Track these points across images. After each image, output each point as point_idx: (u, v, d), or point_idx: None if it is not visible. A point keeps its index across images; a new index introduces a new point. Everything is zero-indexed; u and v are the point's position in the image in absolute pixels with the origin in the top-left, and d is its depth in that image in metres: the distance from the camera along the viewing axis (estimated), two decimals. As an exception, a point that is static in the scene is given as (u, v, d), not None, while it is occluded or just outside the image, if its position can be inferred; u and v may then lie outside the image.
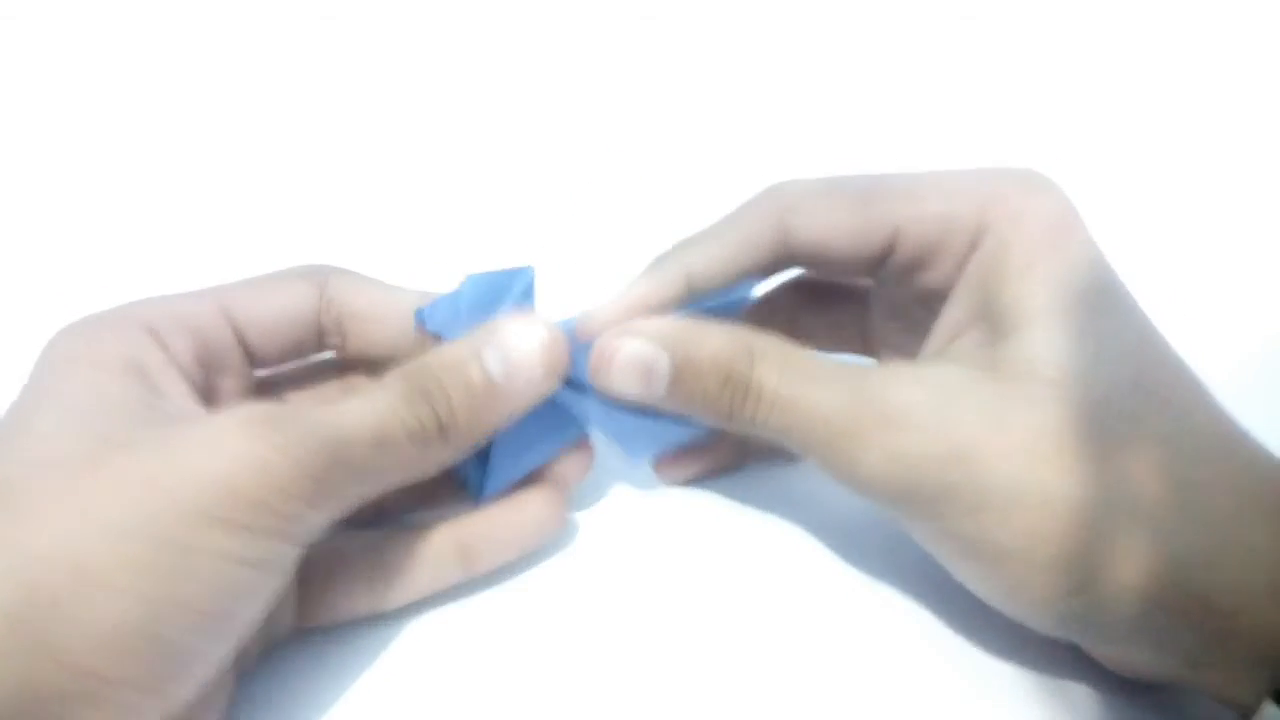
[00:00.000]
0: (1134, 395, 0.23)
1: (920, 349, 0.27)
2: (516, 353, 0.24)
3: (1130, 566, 0.21)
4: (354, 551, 0.26)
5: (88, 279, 0.39)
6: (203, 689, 0.21)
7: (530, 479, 0.27)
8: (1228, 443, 0.23)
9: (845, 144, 0.48)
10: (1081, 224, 0.25)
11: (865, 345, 0.30)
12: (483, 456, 0.27)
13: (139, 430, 0.21)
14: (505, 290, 0.27)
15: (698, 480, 0.31)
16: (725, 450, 0.30)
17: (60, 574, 0.18)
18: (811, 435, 0.24)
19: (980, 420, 0.22)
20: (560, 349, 0.25)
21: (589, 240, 0.42)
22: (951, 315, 0.26)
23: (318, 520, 0.22)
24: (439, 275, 0.28)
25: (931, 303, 0.26)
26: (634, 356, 0.25)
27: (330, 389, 0.28)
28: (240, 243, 0.42)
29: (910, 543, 0.25)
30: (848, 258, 0.26)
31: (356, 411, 0.22)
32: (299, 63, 0.53)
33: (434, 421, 0.23)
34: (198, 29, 0.54)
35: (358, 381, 0.28)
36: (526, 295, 0.27)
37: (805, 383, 0.24)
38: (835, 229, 0.25)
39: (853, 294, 0.30)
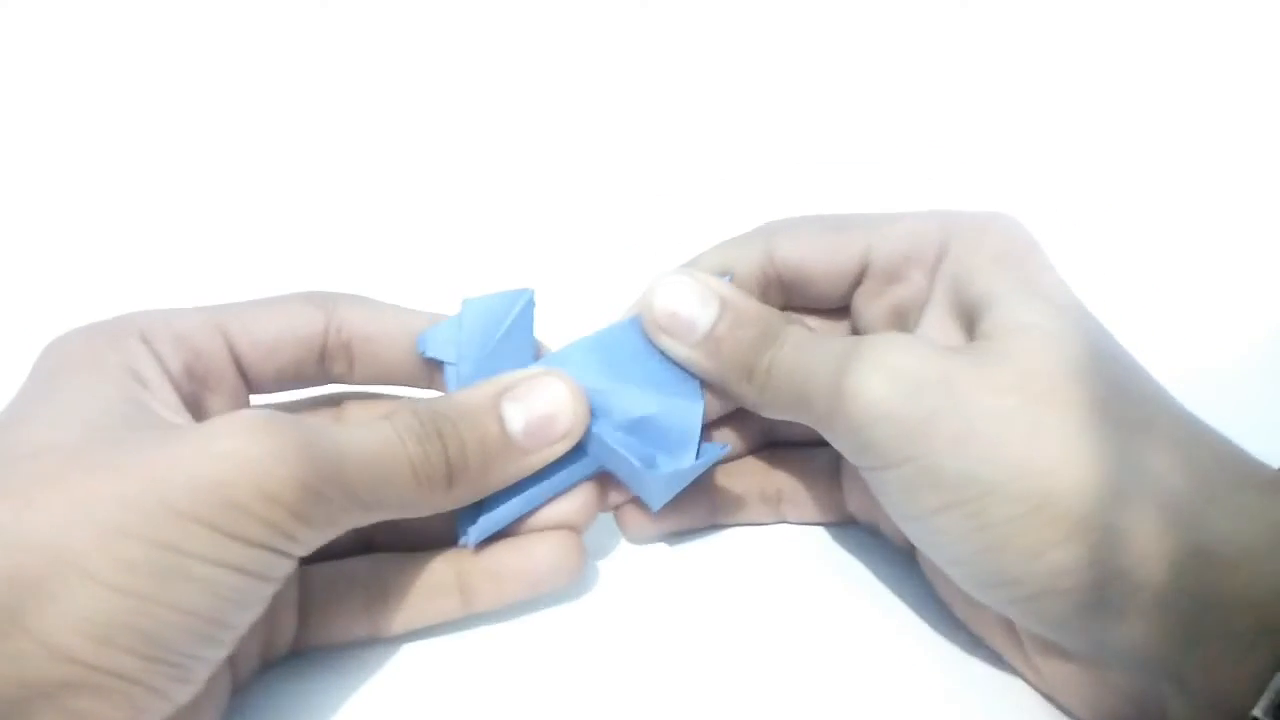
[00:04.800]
0: (1114, 365, 0.23)
1: None
2: (538, 412, 0.25)
3: (1124, 510, 0.20)
4: (356, 575, 0.26)
5: (89, 293, 0.40)
6: (198, 694, 0.21)
7: (538, 520, 0.26)
8: (1197, 422, 0.23)
9: (838, 171, 0.48)
10: (1041, 249, 0.26)
11: None
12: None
13: (131, 428, 0.21)
14: (504, 313, 0.26)
15: (666, 538, 0.29)
16: (696, 509, 0.29)
17: (50, 565, 0.18)
18: (812, 369, 0.24)
19: (972, 361, 0.23)
20: (582, 410, 0.25)
21: (589, 260, 0.42)
22: (930, 323, 0.26)
23: (308, 535, 0.21)
24: (443, 296, 0.28)
25: (909, 320, 0.27)
26: (689, 299, 0.26)
27: (327, 416, 0.28)
28: (242, 261, 0.42)
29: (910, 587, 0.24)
30: (825, 275, 0.28)
31: (360, 435, 0.22)
32: (302, 85, 0.54)
33: (443, 464, 0.23)
34: (203, 45, 0.55)
35: (353, 412, 0.28)
36: (526, 318, 0.27)
37: (823, 337, 0.25)
38: (813, 248, 0.27)
39: None
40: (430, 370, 0.27)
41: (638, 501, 0.28)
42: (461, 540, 0.26)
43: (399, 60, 0.55)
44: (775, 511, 0.30)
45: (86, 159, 0.48)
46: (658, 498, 0.27)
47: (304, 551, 0.21)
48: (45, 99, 0.52)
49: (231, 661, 0.24)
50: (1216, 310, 0.39)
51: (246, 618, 0.21)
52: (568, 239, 0.44)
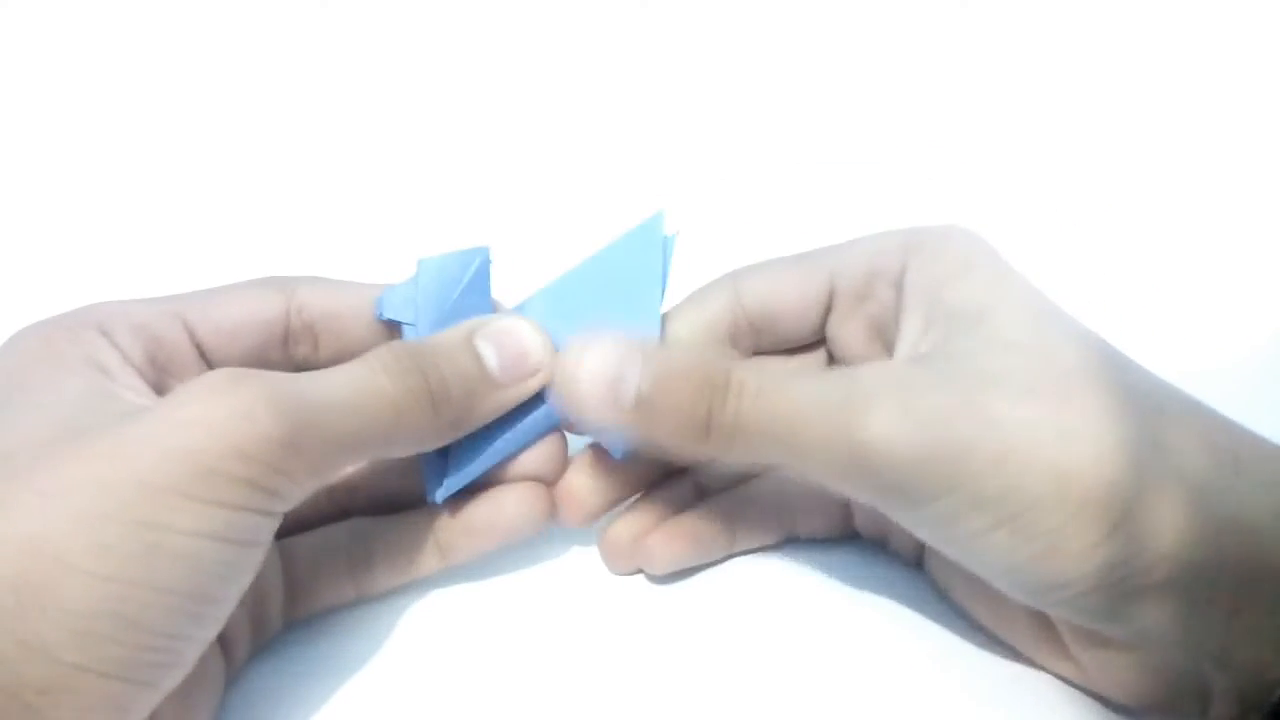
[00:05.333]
0: (1108, 367, 0.23)
1: None
2: (510, 349, 0.25)
3: (1163, 494, 0.21)
4: (337, 542, 0.27)
5: (46, 289, 0.38)
6: (187, 678, 0.20)
7: (507, 473, 0.27)
8: (1201, 408, 0.23)
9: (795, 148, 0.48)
10: (998, 253, 0.25)
11: None
12: (440, 454, 0.26)
13: (101, 418, 0.20)
14: (461, 272, 0.26)
15: (686, 571, 0.28)
16: (715, 543, 0.28)
17: (30, 561, 0.18)
18: (803, 417, 0.22)
19: (986, 375, 0.22)
20: (549, 347, 0.25)
21: (543, 219, 0.42)
22: (907, 336, 0.25)
23: (290, 489, 0.21)
24: (398, 265, 0.28)
25: (886, 336, 0.27)
26: (603, 361, 0.23)
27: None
28: (198, 248, 0.42)
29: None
30: (794, 309, 0.27)
31: (334, 378, 0.22)
32: (250, 66, 0.53)
33: (426, 397, 0.23)
34: (149, 35, 0.55)
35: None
36: (482, 276, 0.27)
37: (788, 375, 0.23)
38: (778, 284, 0.27)
39: None
40: (393, 339, 0.27)
41: (660, 540, 0.27)
42: (430, 498, 0.26)
43: (342, 34, 0.54)
44: (790, 530, 0.29)
45: (35, 152, 0.48)
46: (620, 442, 0.26)
47: (287, 507, 0.21)
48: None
49: (224, 646, 0.24)
50: (1214, 314, 0.39)
51: (233, 591, 0.21)
52: (524, 198, 0.44)
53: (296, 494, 0.21)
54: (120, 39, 0.54)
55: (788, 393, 0.22)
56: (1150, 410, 0.22)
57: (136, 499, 0.19)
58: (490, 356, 0.24)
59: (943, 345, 0.23)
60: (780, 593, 0.28)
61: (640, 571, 0.28)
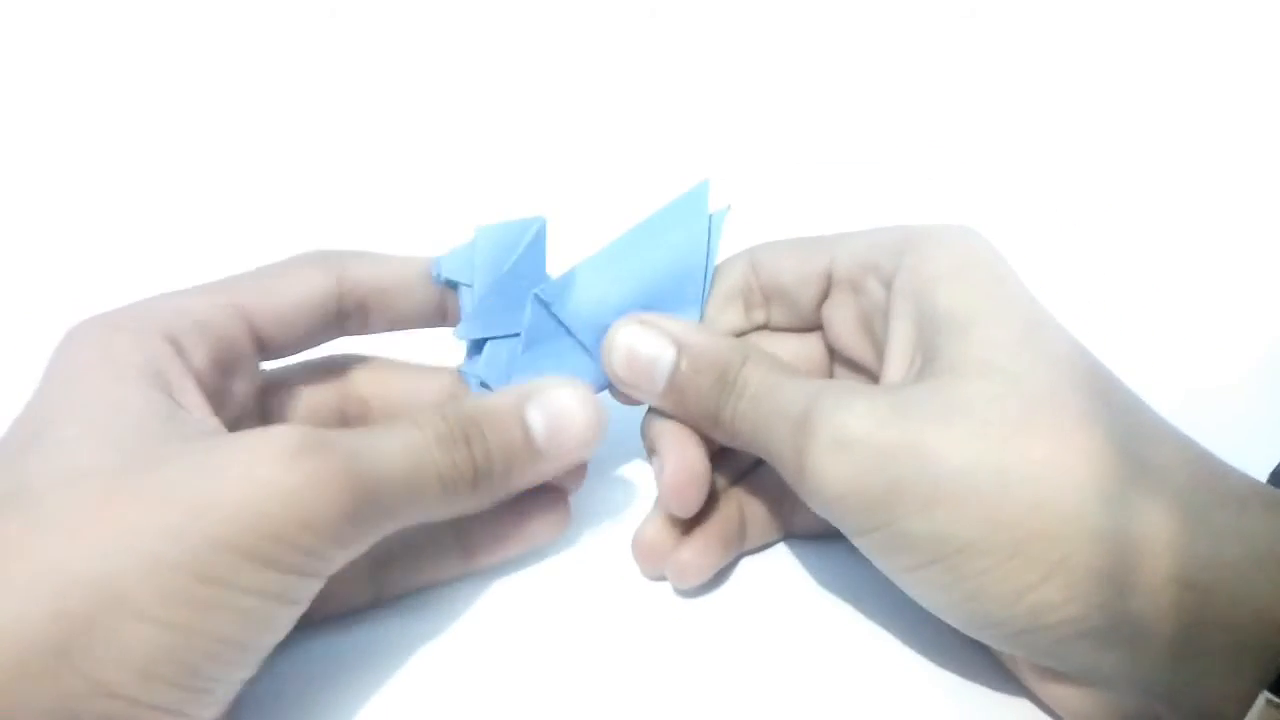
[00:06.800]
0: (1080, 392, 0.22)
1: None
2: (561, 418, 0.25)
3: (1099, 545, 0.20)
4: None
5: (90, 271, 0.40)
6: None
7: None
8: (1174, 435, 0.23)
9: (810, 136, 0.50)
10: (1003, 258, 0.25)
11: None
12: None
13: (166, 446, 0.21)
14: (517, 240, 0.27)
15: (714, 579, 0.28)
16: (728, 544, 0.28)
17: (97, 600, 0.18)
18: (773, 431, 0.24)
19: (930, 415, 0.22)
20: (602, 417, 0.25)
21: (595, 191, 0.43)
22: (896, 339, 0.25)
23: (342, 556, 0.21)
24: (438, 241, 0.29)
25: (874, 331, 0.27)
26: (643, 346, 0.26)
27: (329, 391, 0.28)
28: (241, 225, 0.42)
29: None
30: (796, 287, 0.28)
31: (391, 447, 0.22)
32: (289, 47, 0.55)
33: (470, 470, 0.23)
34: (190, 24, 0.56)
35: (357, 389, 0.29)
36: (538, 245, 0.27)
37: (779, 381, 0.24)
38: (785, 260, 0.29)
39: None
40: (443, 309, 0.28)
41: (691, 553, 0.27)
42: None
43: (384, 13, 0.56)
44: (789, 526, 0.29)
45: (62, 140, 0.49)
46: None
47: (334, 570, 0.22)
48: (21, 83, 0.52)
49: None
50: (1211, 315, 0.39)
51: (277, 639, 0.21)
52: (572, 170, 0.45)
53: (345, 560, 0.22)
54: (156, 25, 0.55)
55: (768, 399, 0.24)
56: (1108, 451, 0.21)
57: (205, 553, 0.19)
58: (539, 427, 0.25)
59: (925, 364, 0.24)
60: (773, 589, 0.28)
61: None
